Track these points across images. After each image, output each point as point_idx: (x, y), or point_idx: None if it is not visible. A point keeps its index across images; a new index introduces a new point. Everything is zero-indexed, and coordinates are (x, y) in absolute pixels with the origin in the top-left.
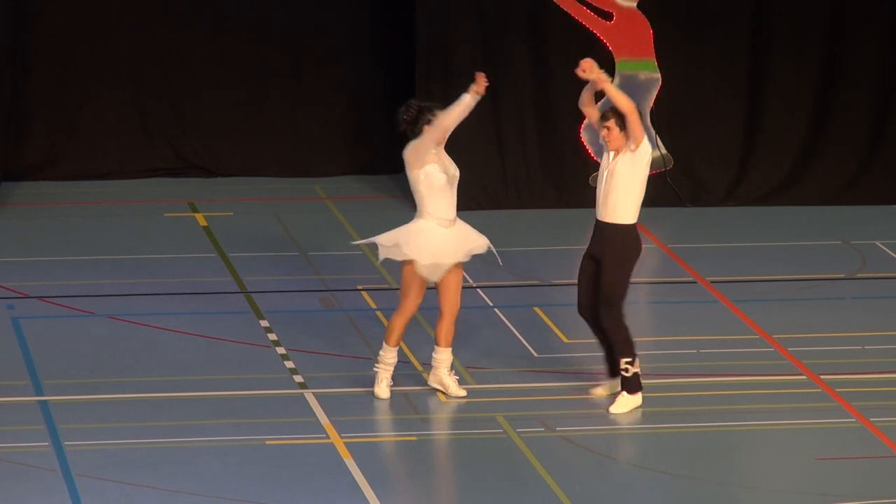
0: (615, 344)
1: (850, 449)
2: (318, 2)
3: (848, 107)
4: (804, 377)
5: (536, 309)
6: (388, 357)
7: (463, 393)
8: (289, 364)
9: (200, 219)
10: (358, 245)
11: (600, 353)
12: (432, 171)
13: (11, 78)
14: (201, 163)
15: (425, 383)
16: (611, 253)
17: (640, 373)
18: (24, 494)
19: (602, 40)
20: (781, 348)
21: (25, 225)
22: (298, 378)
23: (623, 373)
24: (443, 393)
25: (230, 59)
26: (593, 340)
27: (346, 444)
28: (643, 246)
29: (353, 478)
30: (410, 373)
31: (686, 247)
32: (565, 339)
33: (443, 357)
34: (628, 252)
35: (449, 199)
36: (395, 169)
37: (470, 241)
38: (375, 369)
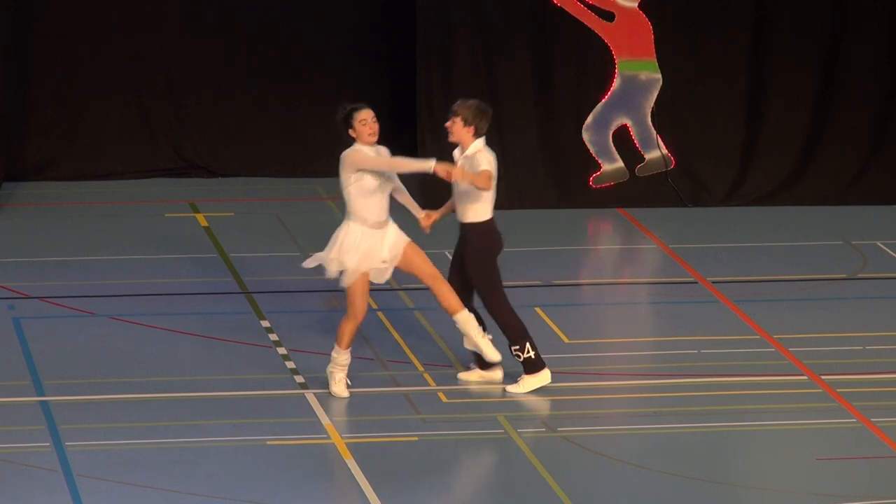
0: (503, 332)
1: (852, 449)
2: (320, 2)
3: (849, 107)
4: (805, 377)
5: (537, 309)
6: (343, 359)
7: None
8: (290, 364)
9: (201, 219)
10: (308, 266)
11: (599, 353)
12: (365, 176)
13: (13, 78)
14: (202, 163)
15: (426, 383)
16: (471, 252)
17: (533, 356)
18: (25, 495)
19: (603, 40)
20: (782, 348)
21: (27, 225)
22: (299, 378)
23: (516, 358)
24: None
25: (231, 59)
26: (594, 340)
27: (346, 444)
28: (502, 239)
29: (355, 478)
30: (411, 373)
31: (687, 247)
32: (566, 340)
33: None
34: (487, 247)
35: (380, 203)
36: None
37: (397, 244)
38: (330, 371)
